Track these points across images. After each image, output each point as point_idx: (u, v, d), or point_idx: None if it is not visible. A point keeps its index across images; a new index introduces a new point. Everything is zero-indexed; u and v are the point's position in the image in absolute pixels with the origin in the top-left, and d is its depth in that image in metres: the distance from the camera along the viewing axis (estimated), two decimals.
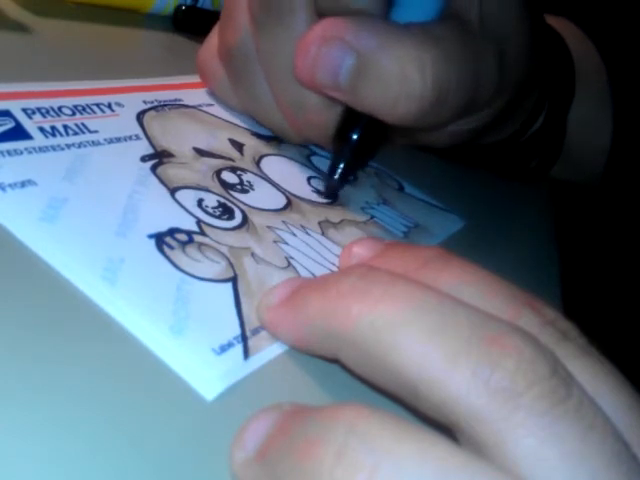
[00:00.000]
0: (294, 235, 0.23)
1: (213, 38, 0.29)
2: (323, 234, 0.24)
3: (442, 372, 0.13)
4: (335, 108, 0.26)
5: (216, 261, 0.19)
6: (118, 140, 0.23)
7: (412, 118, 0.24)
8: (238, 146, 0.27)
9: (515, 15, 0.27)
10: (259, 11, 0.25)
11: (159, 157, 0.23)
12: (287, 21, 0.25)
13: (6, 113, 0.21)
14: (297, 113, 0.26)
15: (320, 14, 0.24)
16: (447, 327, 0.14)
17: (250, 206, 0.23)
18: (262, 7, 0.25)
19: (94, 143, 0.22)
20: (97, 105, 0.24)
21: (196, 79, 0.31)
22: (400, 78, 0.23)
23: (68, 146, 0.21)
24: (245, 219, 0.22)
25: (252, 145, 0.28)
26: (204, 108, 0.29)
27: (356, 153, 0.26)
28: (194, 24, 0.38)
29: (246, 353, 0.17)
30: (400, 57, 0.23)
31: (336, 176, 0.26)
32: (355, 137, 0.26)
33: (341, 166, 0.26)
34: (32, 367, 0.14)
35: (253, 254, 0.21)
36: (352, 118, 0.26)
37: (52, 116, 0.22)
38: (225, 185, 0.24)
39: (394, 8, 0.24)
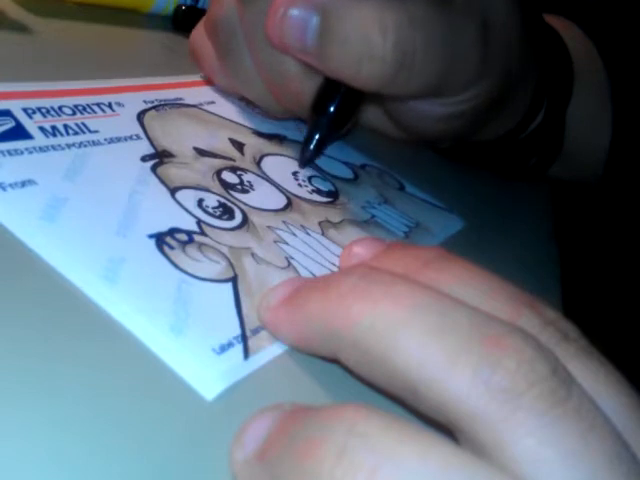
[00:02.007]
0: (294, 235, 0.23)
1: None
2: (323, 234, 0.24)
3: (442, 372, 0.13)
4: (314, 78, 0.26)
5: (216, 261, 0.19)
6: (118, 140, 0.23)
7: (377, 82, 0.24)
8: (238, 146, 0.27)
9: (505, 1, 0.27)
10: None
11: (159, 157, 0.23)
12: None
13: (6, 113, 0.21)
14: (277, 81, 0.27)
15: None
16: (447, 327, 0.14)
17: (250, 206, 0.23)
18: None
19: (94, 143, 0.22)
20: (97, 105, 0.24)
21: (197, 78, 0.31)
22: (361, 38, 0.23)
23: (68, 146, 0.21)
24: (245, 219, 0.22)
25: (253, 144, 0.28)
26: (205, 106, 0.29)
27: (332, 125, 0.27)
28: (194, 24, 0.38)
29: (246, 353, 0.17)
30: (363, 17, 0.23)
31: (311, 146, 0.27)
32: (332, 109, 0.26)
33: (316, 137, 0.27)
34: (32, 366, 0.14)
35: (253, 254, 0.21)
36: (330, 90, 0.26)
37: (52, 116, 0.22)
38: (225, 185, 0.24)
39: None
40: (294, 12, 0.23)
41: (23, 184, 0.18)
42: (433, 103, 0.28)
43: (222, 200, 0.23)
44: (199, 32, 0.30)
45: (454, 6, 0.25)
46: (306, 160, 0.28)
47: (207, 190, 0.23)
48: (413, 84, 0.25)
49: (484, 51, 0.27)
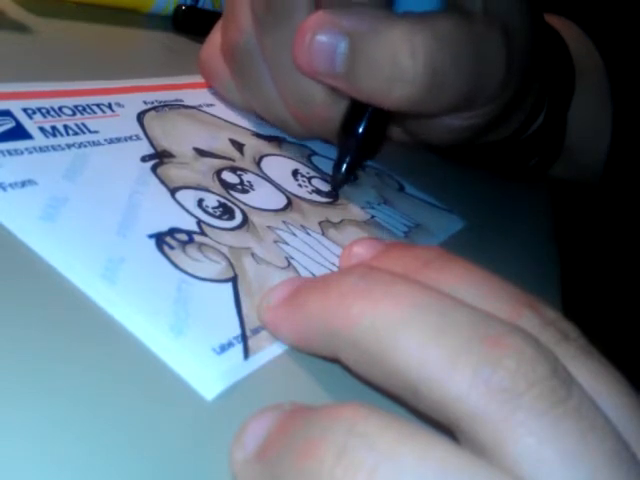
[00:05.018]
0: (294, 235, 0.23)
1: (215, 37, 0.29)
2: (323, 234, 0.24)
3: (442, 372, 0.13)
4: (340, 104, 0.26)
5: (216, 261, 0.19)
6: (118, 140, 0.23)
7: (408, 103, 0.24)
8: (238, 146, 0.27)
9: (518, 8, 0.27)
10: (262, 10, 0.25)
11: (159, 157, 0.23)
12: (290, 18, 0.25)
13: (6, 113, 0.21)
14: (303, 108, 0.27)
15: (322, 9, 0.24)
16: (447, 327, 0.14)
17: (250, 206, 0.23)
18: (265, 6, 0.25)
19: (94, 143, 0.22)
20: (97, 105, 0.24)
21: (196, 79, 0.31)
22: (391, 61, 0.23)
23: (68, 146, 0.21)
24: (245, 219, 0.22)
25: (252, 145, 0.28)
26: (204, 108, 0.29)
27: (362, 146, 0.27)
28: (194, 24, 0.38)
29: (246, 353, 0.17)
30: (391, 40, 0.23)
31: (343, 170, 0.27)
32: (361, 130, 0.26)
33: (347, 160, 0.27)
34: (32, 366, 0.14)
35: (253, 254, 0.21)
36: (357, 111, 0.26)
37: (52, 116, 0.22)
38: (225, 185, 0.24)
39: (396, 1, 0.24)
40: (322, 38, 0.23)
41: (23, 184, 0.18)
42: (454, 117, 0.28)
43: (222, 200, 0.23)
44: (211, 50, 0.29)
45: (476, 18, 0.25)
46: (338, 184, 0.27)
47: (207, 190, 0.23)
48: (443, 102, 0.25)
49: (509, 61, 0.26)
